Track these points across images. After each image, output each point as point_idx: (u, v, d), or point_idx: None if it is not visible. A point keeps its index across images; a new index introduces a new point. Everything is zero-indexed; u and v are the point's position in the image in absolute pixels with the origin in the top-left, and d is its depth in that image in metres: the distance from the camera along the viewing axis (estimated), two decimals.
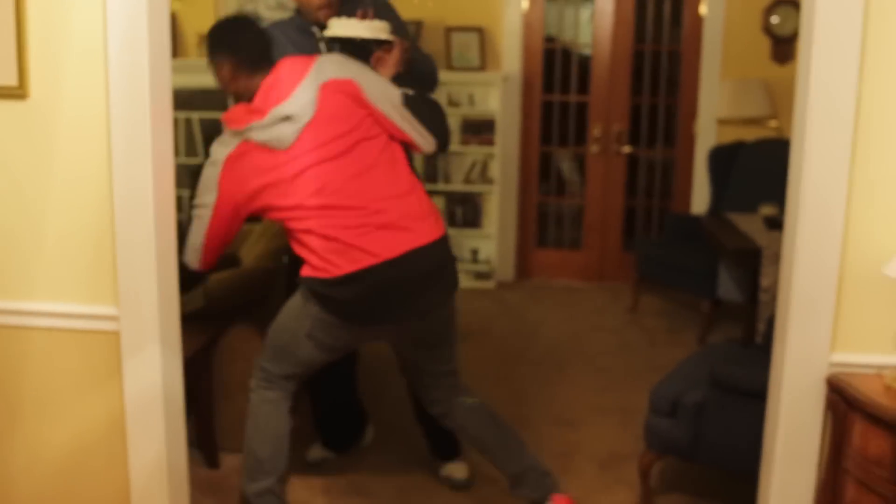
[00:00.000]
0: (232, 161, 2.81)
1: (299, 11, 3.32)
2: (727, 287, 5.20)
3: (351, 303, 2.81)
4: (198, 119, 6.33)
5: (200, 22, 6.30)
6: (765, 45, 6.19)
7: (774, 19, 6.19)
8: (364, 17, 3.07)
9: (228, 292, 3.61)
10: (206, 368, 3.49)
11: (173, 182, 2.69)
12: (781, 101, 6.02)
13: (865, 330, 2.46)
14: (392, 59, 3.09)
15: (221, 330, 3.62)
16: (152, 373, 2.57)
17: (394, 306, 2.84)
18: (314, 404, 3.74)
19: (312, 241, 2.81)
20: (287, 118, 2.77)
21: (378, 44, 3.08)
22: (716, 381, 3.09)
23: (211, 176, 2.84)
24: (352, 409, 3.82)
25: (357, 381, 3.82)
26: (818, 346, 2.47)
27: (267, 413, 3.06)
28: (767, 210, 4.76)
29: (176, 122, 5.33)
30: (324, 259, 2.80)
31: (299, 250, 2.86)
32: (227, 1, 6.46)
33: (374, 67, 3.07)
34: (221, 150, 2.85)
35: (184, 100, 5.85)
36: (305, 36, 3.27)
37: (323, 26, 3.20)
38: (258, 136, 2.79)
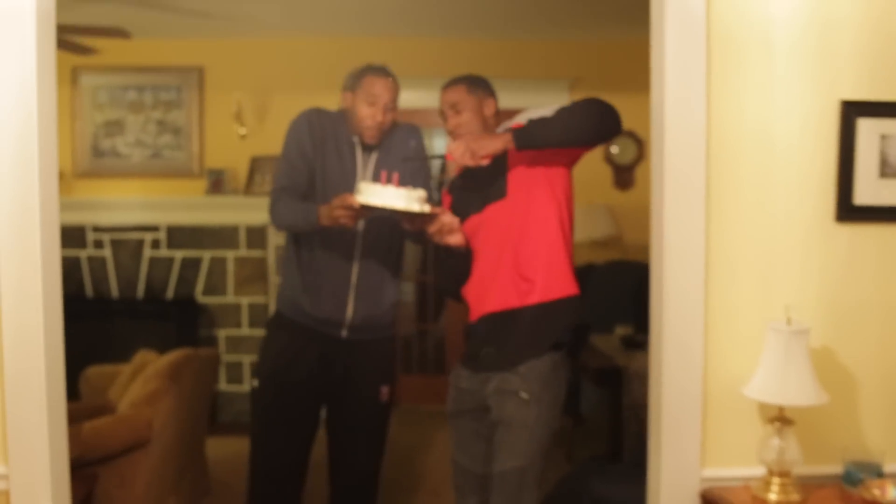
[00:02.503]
0: None
1: (345, 116, 3.25)
2: (589, 404, 5.42)
3: None
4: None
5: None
6: (607, 173, 6.64)
7: (614, 149, 6.66)
8: (388, 181, 2.95)
9: (104, 440, 3.55)
10: None
11: (62, 331, 2.65)
12: (625, 223, 6.45)
13: (730, 445, 2.65)
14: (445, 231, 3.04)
15: (97, 479, 3.54)
16: None
17: None
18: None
19: None
20: None
21: (409, 215, 2.92)
22: (596, 502, 3.25)
23: None
24: None
25: None
26: (689, 463, 2.65)
27: None
28: (623, 330, 5.01)
29: None
30: None
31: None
32: (84, 137, 6.45)
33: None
34: None
35: None
36: (345, 143, 3.24)
37: (363, 144, 3.22)
38: None
